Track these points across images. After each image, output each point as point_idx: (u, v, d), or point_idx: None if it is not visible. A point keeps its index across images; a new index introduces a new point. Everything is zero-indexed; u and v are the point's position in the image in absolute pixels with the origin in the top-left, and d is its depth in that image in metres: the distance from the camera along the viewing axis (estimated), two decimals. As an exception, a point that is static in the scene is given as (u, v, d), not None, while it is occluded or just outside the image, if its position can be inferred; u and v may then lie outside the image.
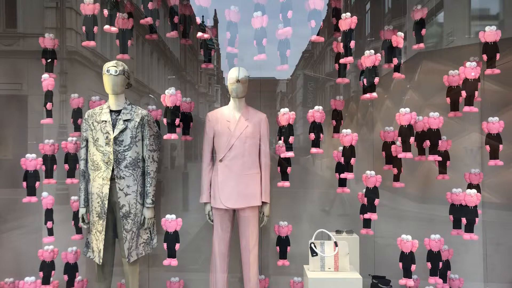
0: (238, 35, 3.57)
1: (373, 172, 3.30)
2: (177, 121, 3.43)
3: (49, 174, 3.48)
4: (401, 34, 3.46)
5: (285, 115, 3.42)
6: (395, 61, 3.53)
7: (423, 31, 3.59)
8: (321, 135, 3.44)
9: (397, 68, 3.57)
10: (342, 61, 3.45)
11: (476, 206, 3.27)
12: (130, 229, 3.06)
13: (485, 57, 3.30)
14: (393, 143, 3.55)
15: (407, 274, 3.24)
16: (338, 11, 3.69)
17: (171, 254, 3.34)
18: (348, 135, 3.36)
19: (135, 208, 3.08)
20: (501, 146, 3.32)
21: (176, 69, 5.40)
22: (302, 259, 3.46)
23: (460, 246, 3.93)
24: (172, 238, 3.32)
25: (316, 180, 3.68)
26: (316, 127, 3.43)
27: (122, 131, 3.05)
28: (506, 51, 3.67)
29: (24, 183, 3.39)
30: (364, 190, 3.42)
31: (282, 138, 3.42)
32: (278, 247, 3.59)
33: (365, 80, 3.35)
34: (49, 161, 3.46)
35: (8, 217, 4.27)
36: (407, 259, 3.23)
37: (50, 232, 3.46)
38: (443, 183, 3.46)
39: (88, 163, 3.14)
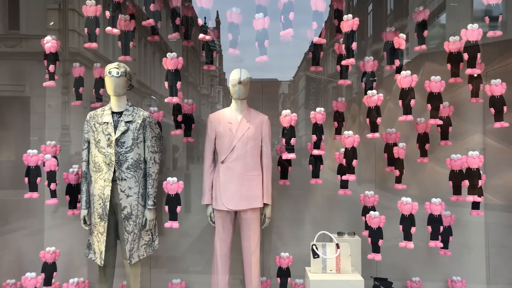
0: (240, 36, 3.57)
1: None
2: (179, 84, 3.44)
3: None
4: (403, 35, 3.45)
5: (287, 116, 3.41)
6: (397, 62, 3.52)
7: (425, 33, 3.59)
8: (322, 136, 3.44)
9: (399, 70, 3.56)
10: (344, 62, 3.45)
11: (478, 169, 3.27)
12: (131, 230, 3.06)
13: (487, 19, 3.27)
14: (395, 144, 3.55)
15: (407, 236, 3.24)
16: (340, 12, 3.69)
17: (173, 217, 3.34)
18: (350, 137, 3.36)
19: (136, 209, 3.08)
20: (505, 108, 3.31)
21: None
22: (304, 261, 3.45)
23: (462, 248, 3.92)
24: (173, 200, 3.31)
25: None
26: (317, 129, 3.43)
27: (123, 133, 3.05)
28: (508, 52, 3.66)
29: (26, 179, 3.39)
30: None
31: (284, 139, 3.42)
32: (278, 279, 3.58)
33: (367, 120, 3.39)
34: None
35: (11, 218, 4.28)
36: (407, 221, 3.23)
37: (53, 194, 3.45)
38: (446, 185, 3.44)
39: (89, 164, 3.14)
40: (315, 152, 3.45)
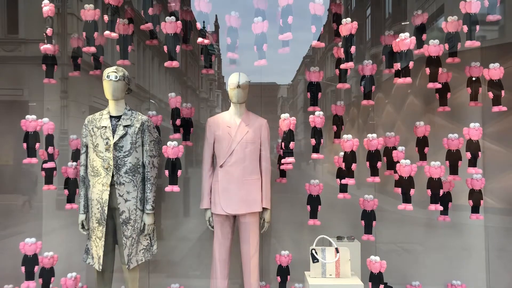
0: (238, 40, 3.57)
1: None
2: (178, 48, 3.46)
3: (49, 180, 3.47)
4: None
5: (286, 120, 3.41)
6: (396, 66, 3.52)
7: (424, 36, 3.59)
8: (321, 140, 3.44)
9: (398, 73, 3.55)
10: (342, 66, 3.45)
11: (478, 141, 3.30)
12: (130, 235, 3.04)
13: (486, 2, 3.31)
14: (394, 148, 3.54)
15: (406, 199, 3.24)
16: (339, 16, 3.69)
17: (173, 181, 3.37)
18: (349, 141, 3.35)
19: (135, 214, 3.06)
20: (503, 92, 3.33)
21: (177, 75, 5.41)
22: (303, 266, 3.44)
23: (462, 252, 3.91)
24: (173, 164, 3.34)
25: (317, 186, 3.67)
26: (316, 133, 3.43)
27: (122, 137, 3.04)
28: (507, 56, 3.66)
29: (25, 144, 3.39)
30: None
31: (283, 143, 3.42)
32: (278, 277, 3.57)
33: (367, 163, 3.40)
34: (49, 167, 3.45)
35: (9, 223, 4.26)
36: (406, 184, 3.23)
37: (51, 157, 3.45)
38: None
39: (88, 169, 3.13)
40: (314, 156, 3.44)
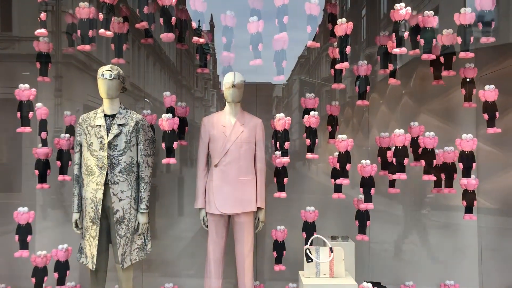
0: (234, 39, 3.57)
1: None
2: (173, 19, 3.42)
3: (43, 179, 3.45)
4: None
5: (281, 120, 3.41)
6: (391, 66, 3.53)
7: (419, 37, 3.60)
8: (316, 140, 3.44)
9: (392, 74, 3.57)
10: (337, 66, 3.45)
11: (472, 151, 3.32)
12: (124, 234, 3.03)
13: (480, 25, 3.32)
14: (389, 148, 3.55)
15: (401, 169, 3.29)
16: (334, 16, 3.69)
17: (170, 153, 3.37)
18: (343, 141, 3.36)
19: (129, 213, 3.05)
20: (497, 114, 3.36)
21: (172, 74, 5.39)
22: (297, 265, 3.44)
23: (455, 252, 3.93)
24: (170, 136, 3.34)
25: (312, 186, 3.67)
26: (311, 133, 3.43)
27: (116, 136, 3.03)
28: (501, 58, 3.69)
29: (18, 114, 3.41)
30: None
31: (278, 143, 3.41)
32: (275, 252, 3.57)
33: (361, 189, 3.37)
34: (42, 165, 3.43)
35: (2, 221, 4.23)
36: (400, 153, 3.27)
37: (44, 142, 3.47)
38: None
39: (82, 167, 3.11)
40: (309, 156, 3.44)
